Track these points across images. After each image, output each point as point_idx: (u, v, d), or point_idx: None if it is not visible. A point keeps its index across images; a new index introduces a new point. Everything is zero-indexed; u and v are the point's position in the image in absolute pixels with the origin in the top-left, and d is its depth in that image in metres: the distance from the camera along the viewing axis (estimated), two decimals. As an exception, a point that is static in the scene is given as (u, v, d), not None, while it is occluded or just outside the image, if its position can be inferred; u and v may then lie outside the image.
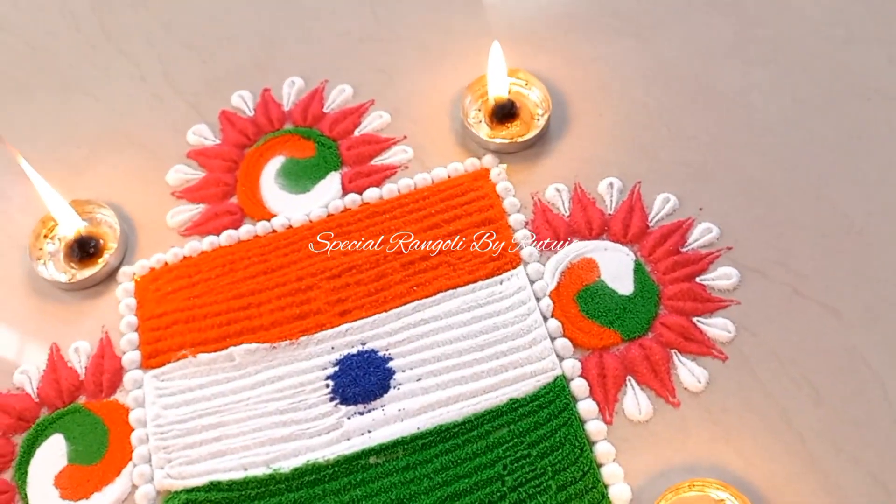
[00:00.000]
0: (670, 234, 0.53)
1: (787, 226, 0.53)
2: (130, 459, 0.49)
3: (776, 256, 0.52)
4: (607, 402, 0.49)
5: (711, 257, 0.52)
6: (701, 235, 0.53)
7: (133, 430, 0.50)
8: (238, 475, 0.48)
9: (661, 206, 0.54)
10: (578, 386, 0.49)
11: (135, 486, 0.49)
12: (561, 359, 0.50)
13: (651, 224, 0.54)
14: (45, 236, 0.57)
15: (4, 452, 0.50)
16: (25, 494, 0.49)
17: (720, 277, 0.52)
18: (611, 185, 0.56)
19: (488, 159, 0.57)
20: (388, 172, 0.58)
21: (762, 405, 0.48)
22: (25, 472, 0.50)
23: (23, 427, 0.51)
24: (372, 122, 0.60)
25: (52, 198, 0.54)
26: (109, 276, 0.56)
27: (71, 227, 0.55)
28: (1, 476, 0.50)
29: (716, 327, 0.50)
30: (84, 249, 0.55)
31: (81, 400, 0.52)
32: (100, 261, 0.55)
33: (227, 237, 0.56)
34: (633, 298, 0.51)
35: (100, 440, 0.50)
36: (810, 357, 0.49)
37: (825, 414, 0.47)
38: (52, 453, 0.50)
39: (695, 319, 0.50)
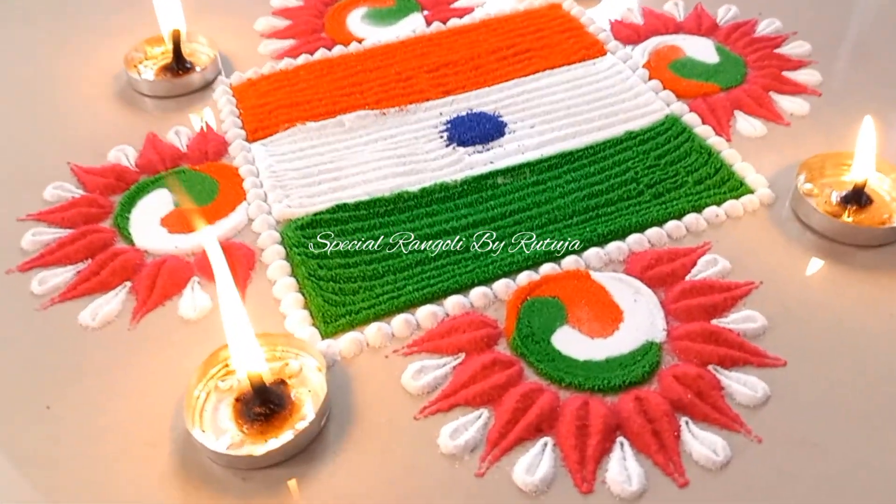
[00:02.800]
0: (739, 27, 0.58)
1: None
2: (243, 201, 0.47)
3: (827, 34, 0.57)
4: (721, 126, 0.50)
5: (782, 38, 0.57)
6: (768, 26, 0.58)
7: (244, 179, 0.48)
8: (364, 198, 0.46)
9: (724, 14, 0.60)
10: (690, 118, 0.50)
11: (250, 220, 0.46)
12: (667, 104, 0.52)
13: (720, 23, 0.59)
14: (139, 63, 0.57)
15: (103, 205, 0.47)
16: (128, 234, 0.45)
17: (795, 48, 0.56)
18: (675, 3, 0.61)
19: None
20: (467, 11, 0.62)
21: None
22: (127, 219, 0.46)
23: (121, 188, 0.48)
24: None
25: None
26: (206, 87, 0.56)
27: (170, 26, 0.55)
28: (100, 224, 0.46)
29: (801, 75, 0.53)
30: (181, 64, 0.56)
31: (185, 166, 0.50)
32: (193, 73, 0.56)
33: (322, 54, 0.58)
34: (721, 65, 0.55)
35: (208, 189, 0.48)
36: None
37: None
38: (157, 202, 0.47)
39: (783, 73, 0.54)
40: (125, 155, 0.51)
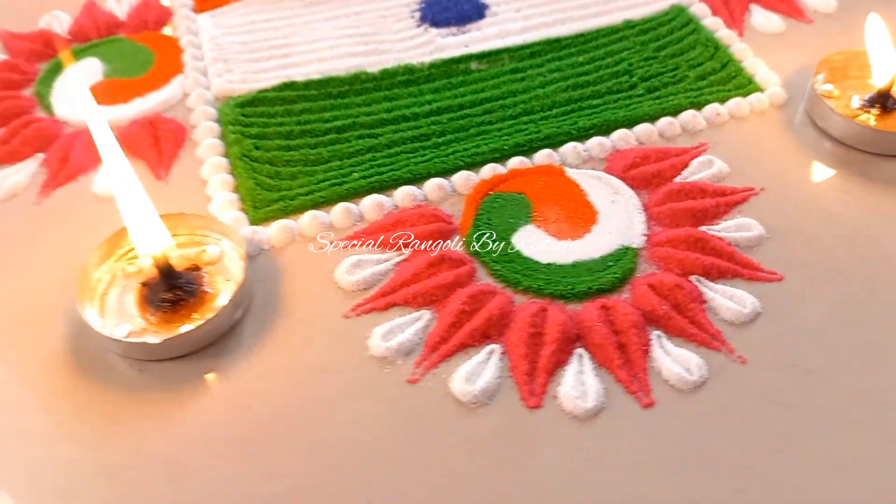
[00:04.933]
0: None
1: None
2: (180, 73, 0.41)
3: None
4: (733, 19, 0.44)
5: None
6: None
7: (183, 51, 0.43)
8: (316, 77, 0.41)
9: None
10: (699, 9, 0.44)
11: (186, 94, 0.40)
12: (674, -6, 0.46)
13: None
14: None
15: (26, 71, 0.42)
16: (49, 103, 0.40)
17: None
18: None
19: None
20: None
21: None
22: (50, 87, 0.41)
23: (48, 55, 0.43)
24: None
25: None
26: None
27: None
28: (21, 92, 0.41)
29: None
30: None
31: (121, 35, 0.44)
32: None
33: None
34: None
35: (143, 60, 0.42)
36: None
37: None
38: (85, 71, 0.42)
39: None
40: (58, 21, 0.45)
